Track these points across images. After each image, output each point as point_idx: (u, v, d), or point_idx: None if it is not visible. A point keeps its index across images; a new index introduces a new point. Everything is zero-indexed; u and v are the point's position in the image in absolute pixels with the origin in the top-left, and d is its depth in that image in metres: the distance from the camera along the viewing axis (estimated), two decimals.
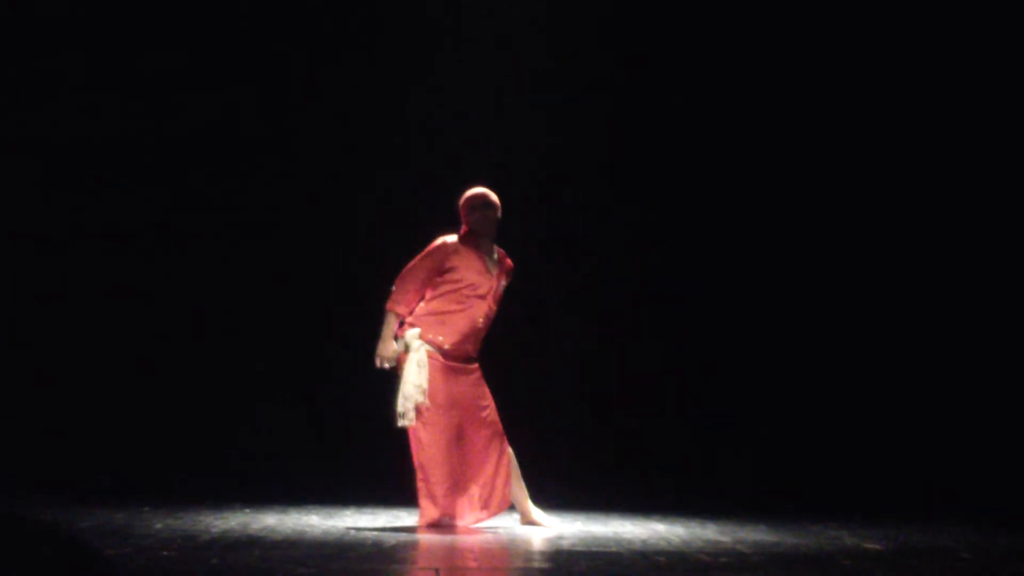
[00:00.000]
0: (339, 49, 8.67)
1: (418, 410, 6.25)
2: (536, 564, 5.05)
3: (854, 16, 8.65)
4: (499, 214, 6.43)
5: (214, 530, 5.80)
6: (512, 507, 6.46)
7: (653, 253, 8.77)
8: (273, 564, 4.64)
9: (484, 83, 8.69)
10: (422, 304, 6.36)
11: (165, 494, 7.54)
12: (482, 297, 6.37)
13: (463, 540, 5.75)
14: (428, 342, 6.30)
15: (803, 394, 8.65)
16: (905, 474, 8.39)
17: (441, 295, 6.34)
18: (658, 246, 8.78)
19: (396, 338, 6.31)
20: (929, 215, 8.71)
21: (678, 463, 8.52)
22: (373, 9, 8.73)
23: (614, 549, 5.39)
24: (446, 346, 6.32)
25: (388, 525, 6.36)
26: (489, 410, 6.38)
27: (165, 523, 6.06)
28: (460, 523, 6.30)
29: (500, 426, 6.39)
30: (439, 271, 6.33)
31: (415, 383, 6.25)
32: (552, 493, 7.01)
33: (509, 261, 6.54)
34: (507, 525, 6.46)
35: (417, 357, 6.28)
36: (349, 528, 6.13)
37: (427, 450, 6.25)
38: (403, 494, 6.70)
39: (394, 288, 6.34)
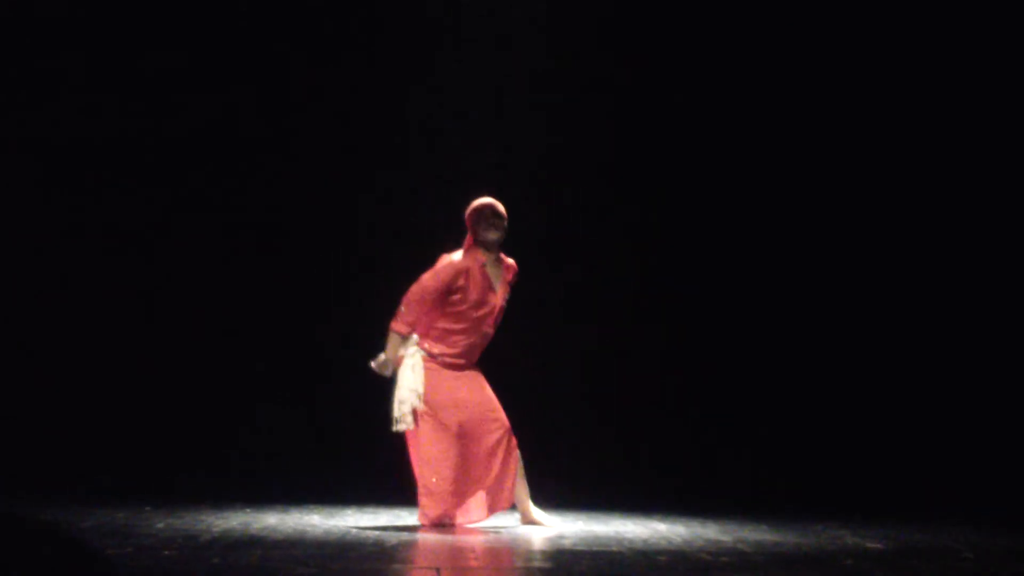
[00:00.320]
0: (339, 49, 8.66)
1: (415, 414, 6.25)
2: (537, 564, 5.05)
3: (854, 16, 8.65)
4: (506, 224, 6.39)
5: (215, 530, 5.80)
6: (513, 506, 6.46)
7: (653, 253, 8.76)
8: (274, 564, 4.64)
9: (484, 83, 8.68)
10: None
11: (166, 494, 7.53)
12: (486, 316, 6.37)
13: (464, 540, 5.75)
14: (426, 351, 6.30)
15: (803, 394, 8.64)
16: (905, 474, 8.39)
17: (445, 314, 6.33)
18: (658, 246, 8.78)
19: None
20: (929, 215, 8.70)
21: (679, 463, 8.52)
22: (373, 9, 8.72)
23: (615, 548, 5.39)
24: (445, 359, 6.32)
25: (389, 524, 6.36)
26: (498, 410, 6.37)
27: (166, 523, 6.06)
28: (461, 522, 6.30)
29: (508, 426, 6.37)
30: (447, 293, 6.32)
31: (411, 387, 6.25)
32: (553, 493, 7.01)
33: (512, 262, 6.51)
34: (508, 525, 6.46)
35: (412, 361, 6.28)
36: (350, 528, 6.13)
37: (428, 449, 6.25)
38: (403, 493, 6.70)
39: (402, 309, 6.31)
